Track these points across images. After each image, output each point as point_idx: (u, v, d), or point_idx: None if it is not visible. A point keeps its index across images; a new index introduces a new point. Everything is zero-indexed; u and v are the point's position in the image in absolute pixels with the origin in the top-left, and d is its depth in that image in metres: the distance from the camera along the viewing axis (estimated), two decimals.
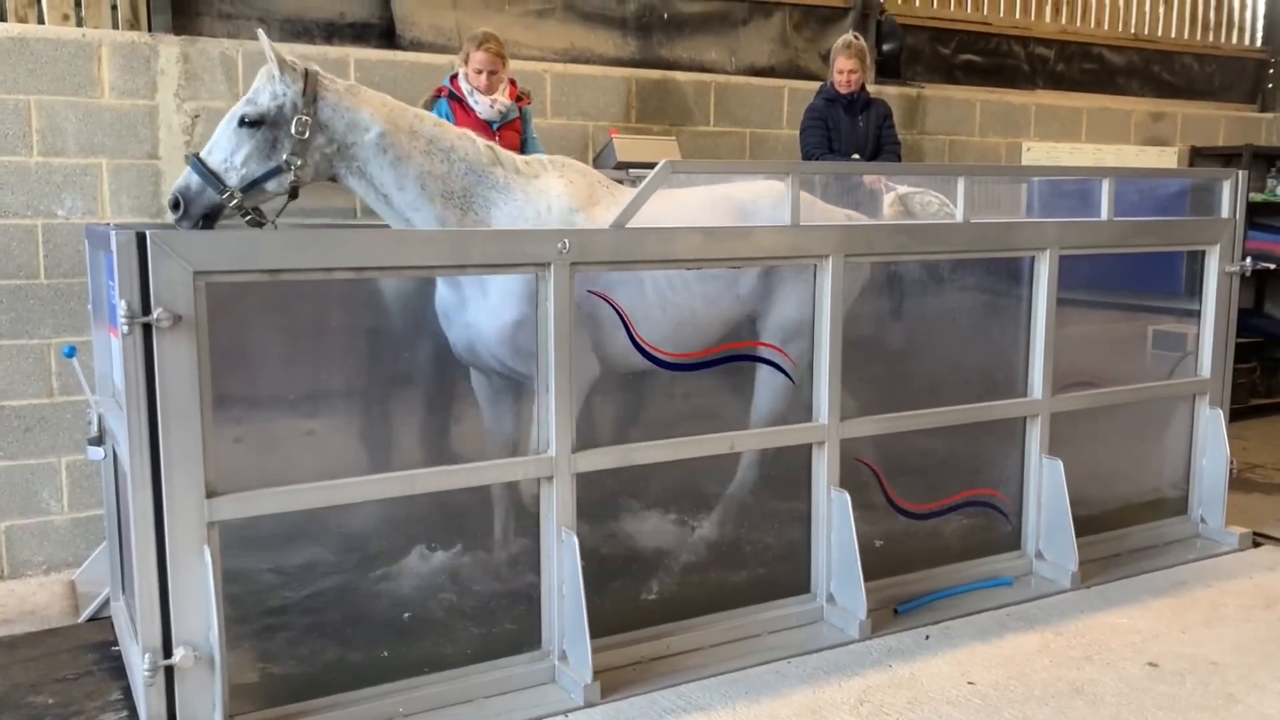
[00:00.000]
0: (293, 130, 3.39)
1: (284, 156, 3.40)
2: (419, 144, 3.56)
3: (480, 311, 3.54)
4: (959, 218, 4.11)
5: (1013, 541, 4.44)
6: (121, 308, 2.75)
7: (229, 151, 3.40)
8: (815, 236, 3.76)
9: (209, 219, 3.41)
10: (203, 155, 3.42)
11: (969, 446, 4.39)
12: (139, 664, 2.90)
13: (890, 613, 3.98)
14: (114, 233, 2.81)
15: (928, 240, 4.05)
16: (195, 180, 3.40)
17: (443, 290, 3.68)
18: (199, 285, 2.85)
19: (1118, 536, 4.67)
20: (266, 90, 3.41)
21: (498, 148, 3.78)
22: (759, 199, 3.96)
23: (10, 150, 4.35)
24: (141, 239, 2.79)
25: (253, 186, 3.43)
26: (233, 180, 3.40)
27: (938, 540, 4.31)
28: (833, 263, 3.79)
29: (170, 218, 3.42)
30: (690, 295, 3.74)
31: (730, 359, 3.83)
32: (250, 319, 3.15)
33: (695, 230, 3.55)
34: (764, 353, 3.90)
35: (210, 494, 2.90)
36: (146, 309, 2.79)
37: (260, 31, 3.46)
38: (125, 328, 2.77)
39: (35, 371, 4.45)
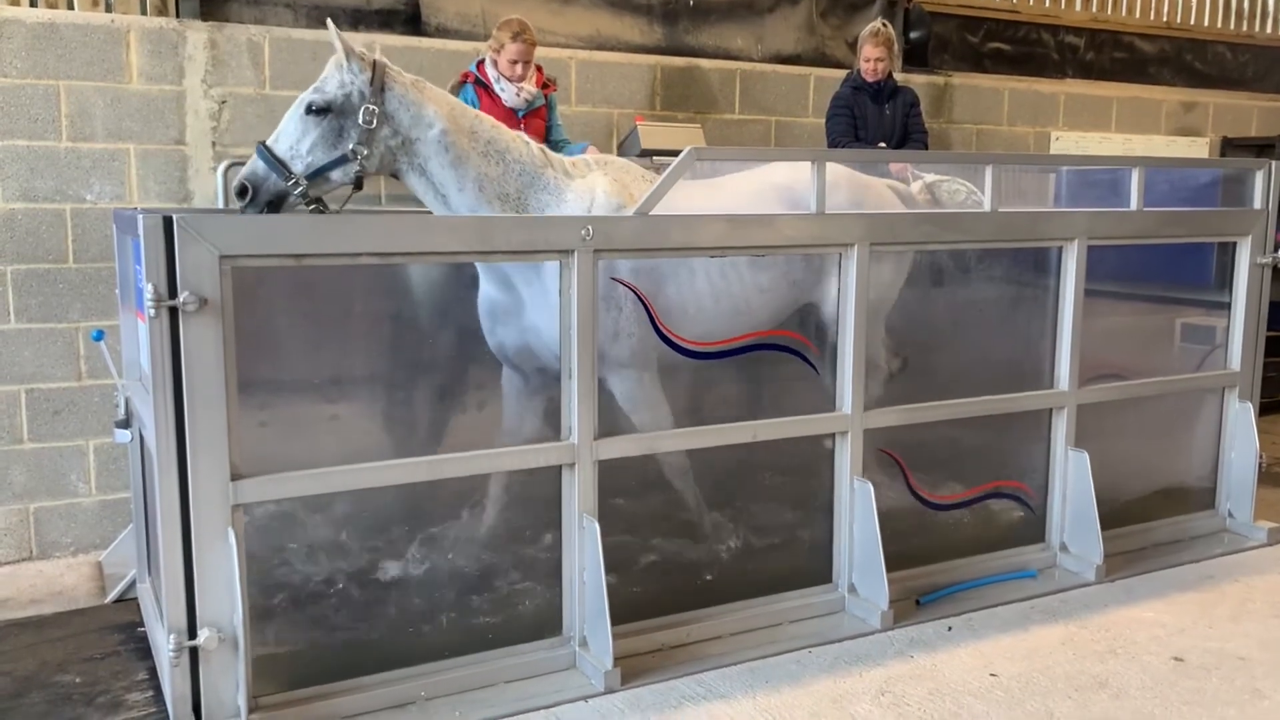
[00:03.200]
0: (360, 119, 3.37)
1: (350, 146, 3.37)
2: (478, 145, 3.55)
3: (542, 311, 3.51)
4: (986, 206, 4.07)
5: (1037, 534, 4.41)
6: (148, 291, 2.77)
7: (295, 139, 3.38)
8: (840, 225, 3.74)
9: (274, 206, 3.38)
10: (269, 142, 3.39)
11: (994, 438, 4.36)
12: (164, 644, 2.92)
13: (913, 603, 3.96)
14: (141, 216, 2.83)
15: (955, 229, 4.02)
16: (261, 167, 3.37)
17: (491, 293, 3.65)
18: (225, 269, 2.86)
19: (1143, 530, 4.63)
20: (334, 78, 3.40)
21: (548, 150, 3.78)
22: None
23: (40, 135, 4.38)
24: (169, 223, 2.81)
25: (318, 175, 3.40)
26: (298, 168, 3.37)
27: (961, 532, 4.29)
28: (858, 252, 3.76)
29: (238, 204, 3.40)
30: (744, 285, 3.74)
31: (754, 348, 3.80)
32: (276, 303, 3.16)
33: (717, 218, 3.54)
34: (787, 341, 3.88)
35: (235, 477, 2.92)
36: (173, 292, 2.81)
37: (329, 21, 3.45)
38: (152, 311, 2.78)
39: (64, 355, 4.50)
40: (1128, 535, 4.54)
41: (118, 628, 3.78)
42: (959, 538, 4.27)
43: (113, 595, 4.05)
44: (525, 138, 3.73)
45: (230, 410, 2.90)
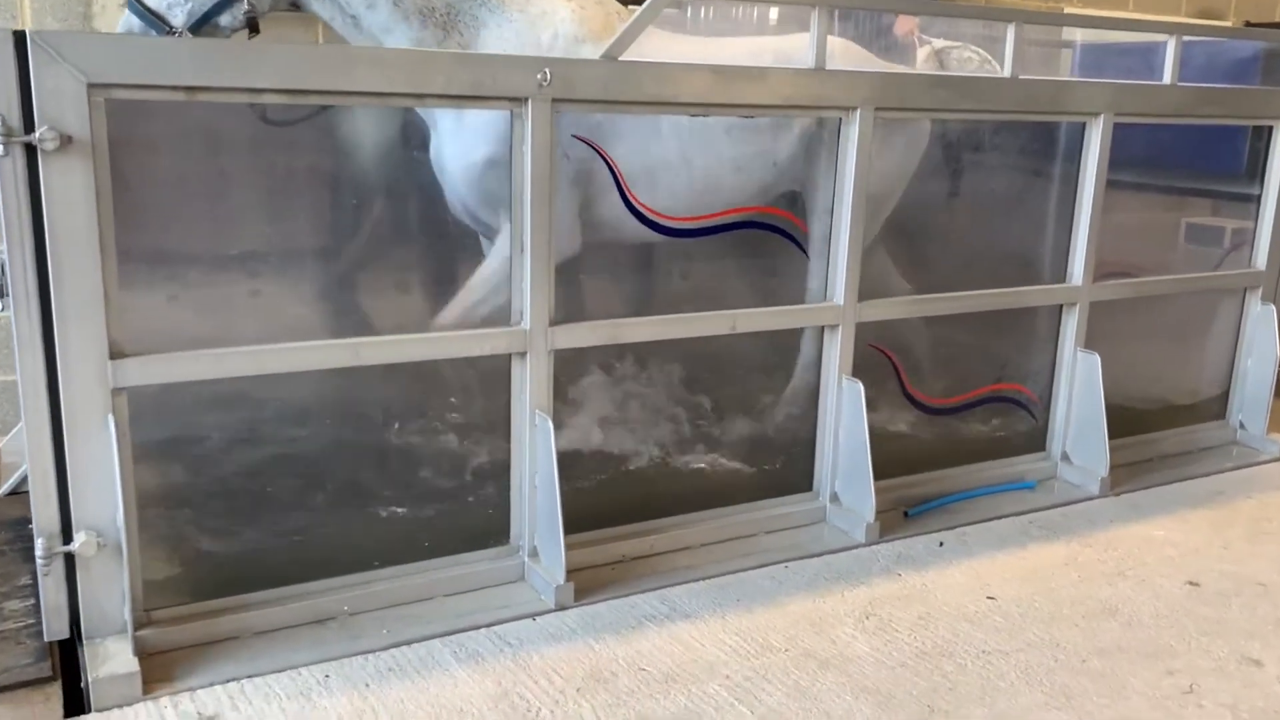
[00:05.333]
0: None
1: None
2: None
3: (449, 146, 3.01)
4: (1007, 73, 3.56)
5: (1037, 442, 4.04)
6: None
7: None
8: (842, 83, 3.22)
9: None
10: None
11: (995, 336, 3.94)
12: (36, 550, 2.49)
13: (900, 515, 3.59)
14: None
15: (971, 96, 3.51)
16: (136, 24, 2.96)
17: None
18: (96, 100, 2.33)
19: (1149, 441, 4.28)
20: None
21: None
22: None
23: None
24: (20, 37, 2.26)
25: (203, 23, 3.00)
26: (178, 19, 2.96)
27: (955, 438, 3.91)
28: (860, 116, 3.26)
29: None
30: (718, 159, 3.21)
31: (740, 225, 3.32)
32: (165, 149, 2.62)
33: (699, 68, 3.01)
34: (777, 220, 3.39)
35: (116, 355, 2.45)
36: (29, 126, 2.28)
37: None
38: (1, 148, 2.26)
39: None
40: (1131, 446, 4.18)
41: (7, 524, 3.33)
42: (951, 445, 3.89)
43: (5, 487, 3.59)
44: None
45: (107, 274, 2.40)
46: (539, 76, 2.76)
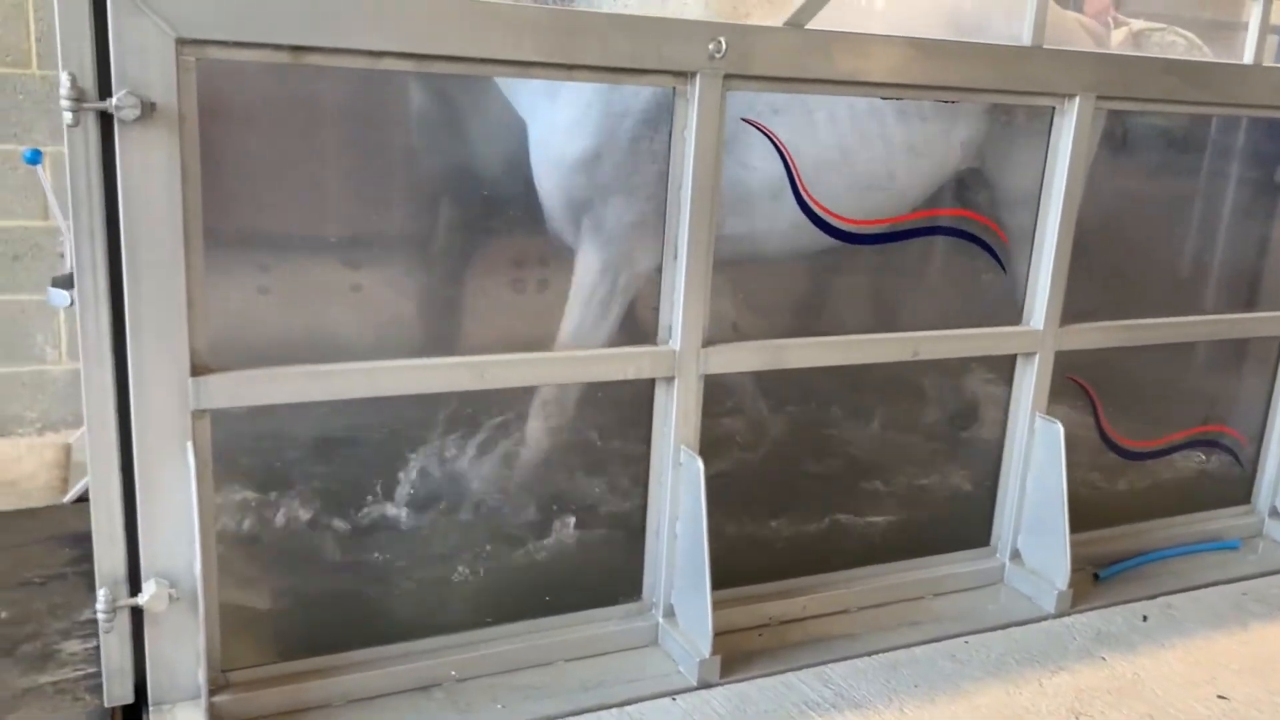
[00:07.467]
0: None
1: None
2: None
3: (540, 135, 2.47)
4: (1249, 58, 2.97)
5: (1241, 494, 3.45)
6: (64, 84, 1.81)
7: None
8: (1061, 66, 2.67)
9: None
10: None
11: (1206, 370, 3.36)
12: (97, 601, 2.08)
13: (1088, 577, 3.05)
14: None
15: (1206, 86, 2.92)
16: None
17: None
18: (185, 60, 1.89)
19: None
20: None
21: None
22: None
23: None
24: None
25: None
26: None
27: (1148, 487, 3.34)
28: (1079, 106, 2.71)
29: None
30: (888, 145, 2.66)
31: (922, 231, 2.79)
32: (262, 118, 2.17)
33: (899, 41, 2.48)
34: (969, 225, 2.85)
35: (198, 371, 2.02)
36: (105, 91, 1.85)
37: None
38: (70, 117, 1.83)
39: (25, 186, 3.57)
40: None
41: (72, 539, 2.96)
42: (1144, 494, 3.32)
43: (72, 494, 3.24)
44: None
45: (191, 274, 1.97)
46: (711, 46, 2.26)
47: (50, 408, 3.78)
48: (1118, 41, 3.60)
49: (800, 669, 2.53)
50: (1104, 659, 2.68)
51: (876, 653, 2.62)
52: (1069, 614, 2.87)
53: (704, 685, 2.43)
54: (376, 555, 2.40)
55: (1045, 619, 2.84)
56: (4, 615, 2.55)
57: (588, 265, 2.51)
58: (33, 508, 3.18)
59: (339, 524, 2.40)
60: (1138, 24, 3.64)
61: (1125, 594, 2.99)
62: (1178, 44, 3.62)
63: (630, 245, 2.48)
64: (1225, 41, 3.43)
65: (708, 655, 2.43)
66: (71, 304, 2.59)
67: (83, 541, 2.91)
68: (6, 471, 3.46)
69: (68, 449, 3.62)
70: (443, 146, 2.41)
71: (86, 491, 3.14)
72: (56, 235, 3.61)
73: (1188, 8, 3.83)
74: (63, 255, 2.79)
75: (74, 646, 2.44)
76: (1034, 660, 2.65)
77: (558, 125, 2.43)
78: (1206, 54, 3.46)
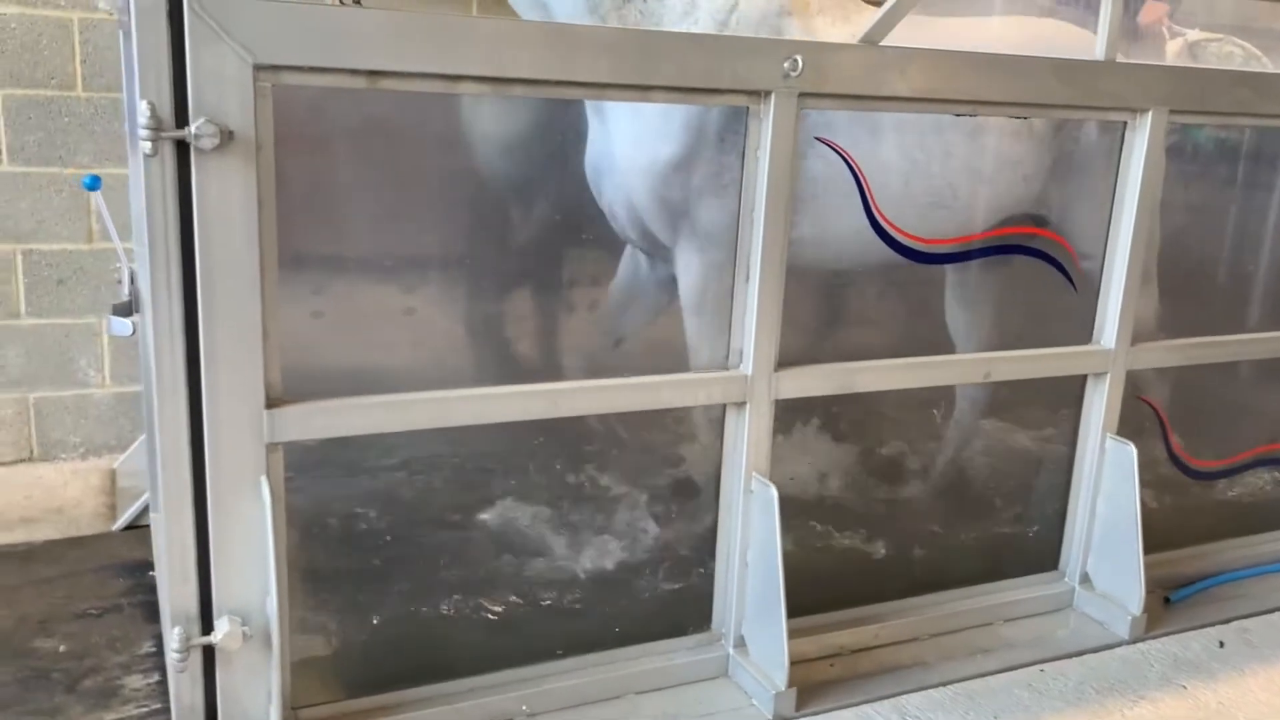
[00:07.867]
0: None
1: None
2: None
3: (622, 143, 2.46)
4: None
5: None
6: (143, 113, 1.77)
7: None
8: (1135, 80, 2.62)
9: None
10: None
11: (1272, 386, 3.30)
12: (168, 638, 2.03)
13: (1159, 600, 2.98)
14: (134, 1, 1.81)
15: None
16: None
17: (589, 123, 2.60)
18: (262, 86, 1.85)
19: None
20: None
21: None
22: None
23: None
24: (176, 7, 1.79)
25: None
26: None
27: (1217, 507, 3.27)
28: (1151, 121, 2.65)
29: None
30: (948, 167, 2.61)
31: (997, 250, 2.73)
32: (337, 144, 2.14)
33: (973, 57, 2.43)
34: (1042, 244, 2.79)
35: (273, 403, 1.97)
36: (182, 120, 1.81)
37: None
38: (148, 147, 1.79)
39: (70, 208, 3.55)
40: None
41: (124, 568, 2.92)
42: (1212, 514, 3.26)
43: (121, 521, 3.20)
44: None
45: (267, 304, 1.93)
46: (786, 65, 2.22)
47: (94, 432, 3.73)
48: (1174, 52, 3.55)
49: (875, 701, 2.47)
50: (1184, 688, 2.61)
51: (951, 682, 2.56)
52: (1143, 639, 2.80)
53: (779, 719, 2.37)
54: (447, 589, 2.35)
55: (1120, 645, 2.77)
56: (63, 649, 2.51)
57: (690, 269, 2.49)
58: (81, 536, 3.14)
59: (408, 555, 2.36)
60: (1194, 34, 3.58)
61: (1198, 618, 2.92)
62: (1235, 55, 3.56)
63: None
64: None
65: (783, 688, 2.37)
66: (134, 333, 2.56)
67: (135, 571, 2.89)
68: (53, 498, 3.41)
69: (112, 474, 3.57)
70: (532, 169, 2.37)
71: (137, 518, 3.12)
72: (103, 259, 3.58)
73: (1247, 17, 3.76)
74: (120, 282, 2.74)
75: (136, 682, 2.39)
76: (1113, 689, 2.58)
77: (644, 132, 2.41)
78: (1265, 64, 3.41)
